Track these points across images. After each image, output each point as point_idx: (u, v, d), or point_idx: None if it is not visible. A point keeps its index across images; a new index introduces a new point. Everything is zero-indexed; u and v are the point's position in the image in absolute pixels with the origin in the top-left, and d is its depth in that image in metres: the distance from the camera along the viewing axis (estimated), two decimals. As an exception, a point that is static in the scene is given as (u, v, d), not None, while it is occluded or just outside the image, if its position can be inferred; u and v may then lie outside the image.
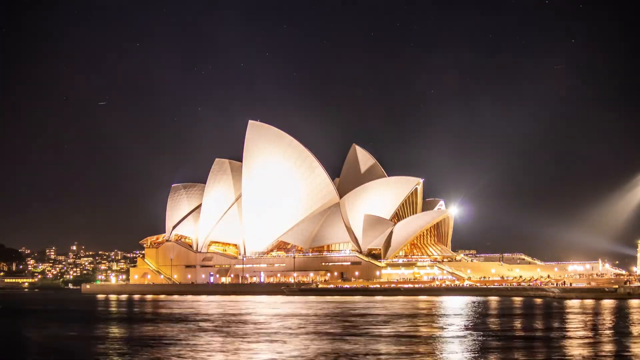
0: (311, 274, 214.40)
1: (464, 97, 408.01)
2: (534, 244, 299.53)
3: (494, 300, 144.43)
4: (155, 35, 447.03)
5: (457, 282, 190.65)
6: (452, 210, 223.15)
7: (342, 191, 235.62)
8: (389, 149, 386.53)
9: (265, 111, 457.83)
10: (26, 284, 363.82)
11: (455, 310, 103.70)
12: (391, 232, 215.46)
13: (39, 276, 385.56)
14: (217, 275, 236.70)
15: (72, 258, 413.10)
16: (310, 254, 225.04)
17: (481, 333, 66.14)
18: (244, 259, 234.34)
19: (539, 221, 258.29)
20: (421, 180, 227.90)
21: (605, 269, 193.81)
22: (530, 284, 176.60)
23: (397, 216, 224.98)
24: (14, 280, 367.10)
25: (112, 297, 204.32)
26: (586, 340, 59.46)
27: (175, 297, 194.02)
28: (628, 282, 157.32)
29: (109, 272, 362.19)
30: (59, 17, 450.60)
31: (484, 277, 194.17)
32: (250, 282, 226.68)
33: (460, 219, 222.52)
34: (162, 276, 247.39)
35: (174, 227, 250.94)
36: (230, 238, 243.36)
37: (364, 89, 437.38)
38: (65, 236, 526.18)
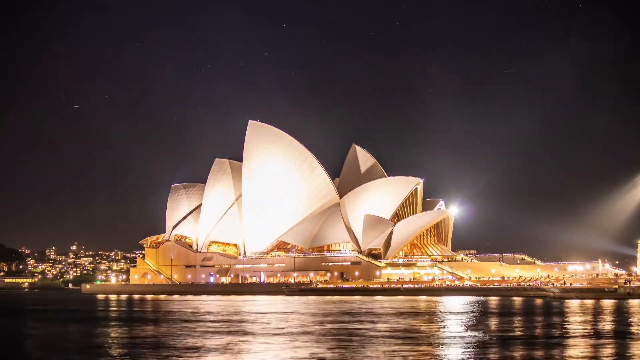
0: (311, 274, 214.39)
1: (464, 97, 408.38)
2: (534, 244, 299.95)
3: (494, 300, 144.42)
4: (155, 35, 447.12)
5: (457, 282, 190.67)
6: (452, 210, 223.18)
7: (342, 191, 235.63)
8: (389, 149, 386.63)
9: (265, 111, 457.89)
10: (26, 284, 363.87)
11: (455, 310, 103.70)
12: (391, 232, 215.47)
13: (39, 276, 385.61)
14: (217, 275, 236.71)
15: (72, 258, 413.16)
16: (310, 254, 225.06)
17: (481, 333, 66.13)
18: (244, 259, 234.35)
19: (539, 221, 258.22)
20: (421, 180, 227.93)
21: (606, 269, 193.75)
22: (530, 284, 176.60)
23: (397, 216, 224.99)
24: (14, 280, 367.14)
25: (112, 297, 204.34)
26: (586, 341, 59.46)
27: (176, 297, 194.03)
28: (628, 282, 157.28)
29: (109, 272, 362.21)
30: (59, 17, 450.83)
31: (484, 277, 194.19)
32: (250, 282, 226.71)
33: (460, 219, 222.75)
34: (162, 276, 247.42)
35: (174, 227, 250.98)
36: (230, 238, 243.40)
37: (364, 88, 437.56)
38: (65, 236, 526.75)
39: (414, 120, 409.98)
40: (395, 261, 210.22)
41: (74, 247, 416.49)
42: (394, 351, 52.58)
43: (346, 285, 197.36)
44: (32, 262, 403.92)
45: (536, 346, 56.15)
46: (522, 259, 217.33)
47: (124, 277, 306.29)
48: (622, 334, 64.48)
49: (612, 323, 77.62)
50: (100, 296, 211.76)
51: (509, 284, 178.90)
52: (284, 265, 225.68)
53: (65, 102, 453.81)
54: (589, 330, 68.45)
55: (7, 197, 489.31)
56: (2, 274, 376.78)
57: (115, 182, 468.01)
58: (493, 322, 79.74)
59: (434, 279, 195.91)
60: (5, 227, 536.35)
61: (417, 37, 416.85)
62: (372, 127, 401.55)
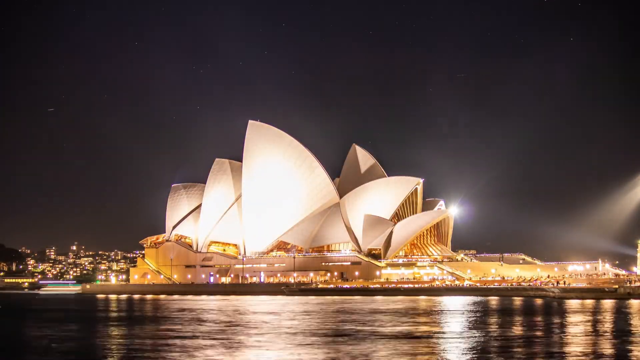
0: (311, 274, 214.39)
1: (464, 97, 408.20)
2: (534, 244, 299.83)
3: (494, 300, 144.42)
4: (155, 35, 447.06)
5: (457, 282, 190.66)
6: (452, 210, 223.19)
7: (342, 191, 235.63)
8: (389, 149, 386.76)
9: (265, 111, 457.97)
10: (26, 284, 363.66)
11: (455, 310, 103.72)
12: (391, 232, 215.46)
13: (39, 276, 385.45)
14: (217, 275, 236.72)
15: (72, 258, 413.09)
16: (310, 254, 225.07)
17: (480, 333, 66.14)
18: (244, 259, 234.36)
19: (539, 221, 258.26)
20: (421, 180, 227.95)
21: (605, 269, 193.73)
22: (530, 284, 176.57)
23: (397, 216, 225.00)
24: (14, 280, 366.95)
25: (112, 297, 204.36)
26: (586, 341, 59.46)
27: (176, 297, 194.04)
28: (628, 282, 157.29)
29: (109, 272, 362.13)
30: (58, 16, 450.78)
31: (484, 277, 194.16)
32: (250, 282, 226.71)
33: (460, 219, 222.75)
34: (162, 276, 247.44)
35: (174, 227, 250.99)
36: (230, 238, 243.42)
37: (364, 88, 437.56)
38: (65, 236, 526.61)
39: (414, 120, 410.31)
40: (395, 261, 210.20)
41: (74, 247, 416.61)
42: (394, 351, 52.60)
43: (346, 285, 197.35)
44: (32, 262, 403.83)
45: (536, 346, 56.13)
46: (522, 259, 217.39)
47: (124, 277, 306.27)
48: (622, 334, 64.47)
49: (612, 323, 77.61)
50: (100, 296, 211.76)
51: (509, 284, 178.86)
52: (284, 265, 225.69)
53: (65, 102, 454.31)
54: (589, 330, 68.43)
55: (7, 197, 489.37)
56: (2, 274, 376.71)
57: (115, 182, 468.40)
58: (493, 322, 79.73)
59: (434, 279, 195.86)
60: (5, 227, 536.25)
61: (417, 36, 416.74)
62: (372, 127, 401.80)
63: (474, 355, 50.50)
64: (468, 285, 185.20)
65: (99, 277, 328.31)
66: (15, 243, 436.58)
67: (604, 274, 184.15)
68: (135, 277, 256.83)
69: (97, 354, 54.69)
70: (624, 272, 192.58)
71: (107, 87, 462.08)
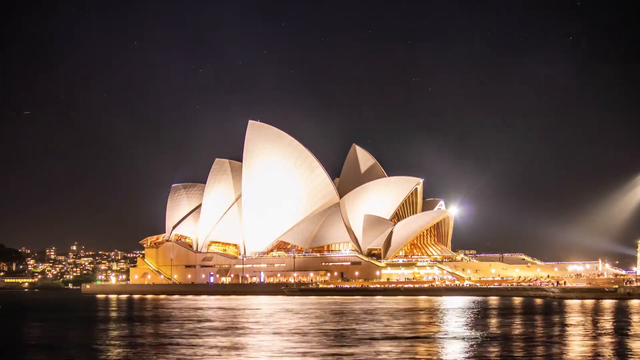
0: (311, 274, 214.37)
1: (464, 97, 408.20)
2: (534, 244, 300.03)
3: (494, 300, 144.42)
4: (154, 34, 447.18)
5: (457, 282, 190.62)
6: (452, 210, 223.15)
7: (342, 191, 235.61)
8: (389, 149, 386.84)
9: (265, 111, 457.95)
10: (26, 284, 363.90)
11: (455, 310, 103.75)
12: (391, 232, 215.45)
13: (39, 276, 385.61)
14: (217, 275, 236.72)
15: (72, 258, 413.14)
16: (310, 254, 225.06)
17: (480, 333, 66.16)
18: (244, 259, 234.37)
19: (539, 221, 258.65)
20: (421, 180, 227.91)
21: (605, 269, 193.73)
22: (530, 284, 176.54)
23: (397, 216, 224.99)
24: (14, 280, 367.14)
25: (112, 297, 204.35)
26: (586, 341, 59.48)
27: (176, 297, 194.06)
28: (628, 282, 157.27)
29: (109, 272, 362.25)
30: (58, 16, 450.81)
31: (484, 277, 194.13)
32: (250, 282, 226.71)
33: (460, 219, 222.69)
34: (162, 276, 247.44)
35: (174, 227, 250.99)
36: (230, 238, 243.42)
37: (364, 89, 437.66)
38: (65, 236, 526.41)
39: (414, 120, 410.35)
40: (395, 261, 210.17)
41: (74, 247, 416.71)
42: (394, 351, 52.63)
43: (346, 285, 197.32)
44: (32, 262, 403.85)
45: (536, 346, 56.15)
46: (522, 259, 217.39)
47: (124, 277, 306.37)
48: (621, 334, 64.49)
49: (612, 323, 77.62)
50: (100, 296, 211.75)
51: (509, 284, 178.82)
52: (284, 265, 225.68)
53: (65, 102, 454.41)
54: (589, 330, 68.44)
55: (7, 197, 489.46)
56: (2, 274, 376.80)
57: (115, 182, 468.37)
58: (492, 322, 79.75)
59: (434, 279, 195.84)
60: (5, 227, 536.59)
61: (417, 36, 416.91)
62: (372, 127, 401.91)
63: (473, 356, 50.50)
64: (468, 285, 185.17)
65: (99, 277, 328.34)
66: (15, 243, 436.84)
67: (601, 274, 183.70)
68: (135, 277, 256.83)
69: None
70: (624, 272, 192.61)
71: (107, 86, 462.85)
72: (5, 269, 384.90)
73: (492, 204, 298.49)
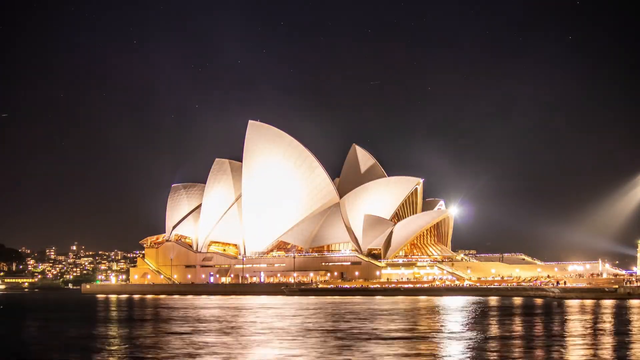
0: (311, 274, 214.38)
1: (464, 97, 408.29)
2: (534, 244, 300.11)
3: (494, 300, 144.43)
4: (154, 34, 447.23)
5: (457, 282, 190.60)
6: (452, 210, 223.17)
7: (342, 191, 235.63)
8: (389, 149, 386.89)
9: (265, 111, 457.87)
10: (26, 284, 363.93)
11: (455, 310, 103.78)
12: (391, 232, 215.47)
13: (39, 276, 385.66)
14: (217, 275, 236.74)
15: (72, 258, 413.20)
16: (310, 254, 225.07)
17: (480, 333, 66.18)
18: (244, 259, 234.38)
19: (539, 221, 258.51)
20: (421, 180, 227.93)
21: (605, 269, 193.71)
22: (530, 284, 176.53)
23: (397, 216, 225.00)
24: (14, 280, 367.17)
25: (112, 297, 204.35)
26: (586, 341, 59.49)
27: (176, 297, 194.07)
28: (628, 282, 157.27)
29: (109, 272, 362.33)
30: (57, 16, 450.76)
31: (484, 277, 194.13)
32: (250, 282, 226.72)
33: (460, 219, 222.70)
34: (162, 276, 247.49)
35: (174, 227, 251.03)
36: (230, 238, 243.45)
37: (364, 88, 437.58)
38: (65, 236, 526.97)
39: (414, 121, 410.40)
40: (395, 261, 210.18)
41: (74, 247, 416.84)
42: (394, 351, 52.64)
43: (346, 285, 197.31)
44: (32, 262, 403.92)
45: (535, 346, 56.15)
46: (522, 259, 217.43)
47: (124, 277, 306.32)
48: (621, 334, 64.49)
49: (611, 323, 77.63)
50: (100, 296, 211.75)
51: (509, 284, 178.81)
52: (284, 265, 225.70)
53: (65, 102, 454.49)
54: (589, 331, 68.45)
55: (7, 197, 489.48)
56: (2, 274, 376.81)
57: (115, 182, 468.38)
58: (492, 322, 79.76)
59: (434, 279, 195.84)
60: (5, 227, 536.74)
61: (417, 36, 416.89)
62: (372, 127, 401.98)
63: (473, 356, 50.52)
64: (468, 285, 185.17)
65: (99, 277, 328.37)
66: (15, 243, 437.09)
67: (600, 274, 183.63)
68: (135, 277, 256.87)
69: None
70: (623, 272, 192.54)
71: (107, 86, 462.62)
72: (5, 269, 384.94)
73: (492, 204, 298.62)
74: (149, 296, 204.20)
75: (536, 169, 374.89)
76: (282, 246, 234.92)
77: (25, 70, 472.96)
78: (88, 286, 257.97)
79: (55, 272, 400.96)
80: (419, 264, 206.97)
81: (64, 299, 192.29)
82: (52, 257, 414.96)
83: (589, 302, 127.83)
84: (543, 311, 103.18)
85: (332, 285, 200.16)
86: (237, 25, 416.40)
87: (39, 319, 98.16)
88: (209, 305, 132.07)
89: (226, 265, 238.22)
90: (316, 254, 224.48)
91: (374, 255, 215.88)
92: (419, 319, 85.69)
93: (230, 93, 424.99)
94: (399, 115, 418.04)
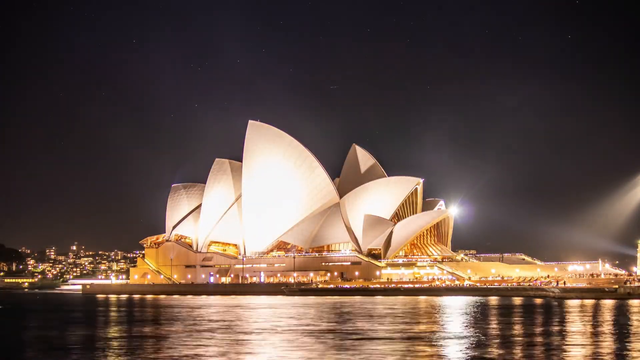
0: (311, 274, 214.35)
1: (463, 96, 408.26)
2: (534, 244, 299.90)
3: (493, 300, 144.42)
4: (153, 33, 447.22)
5: (457, 282, 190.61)
6: (452, 210, 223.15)
7: (342, 191, 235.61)
8: (389, 149, 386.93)
9: (265, 111, 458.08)
10: (26, 284, 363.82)
11: (455, 310, 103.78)
12: (391, 232, 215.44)
13: (39, 276, 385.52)
14: (217, 275, 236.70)
15: (72, 258, 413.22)
16: (310, 254, 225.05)
17: (480, 333, 66.17)
18: (244, 259, 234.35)
19: (539, 221, 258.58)
20: (421, 180, 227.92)
21: (605, 269, 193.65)
22: (530, 284, 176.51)
23: (397, 216, 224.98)
24: (14, 280, 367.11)
25: (112, 297, 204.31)
26: (585, 340, 59.48)
27: (176, 297, 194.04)
28: (628, 282, 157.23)
29: (109, 272, 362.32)
30: (57, 16, 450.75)
31: (484, 277, 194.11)
32: (250, 282, 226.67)
33: (460, 219, 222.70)
34: (162, 276, 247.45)
35: (174, 227, 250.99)
36: (230, 238, 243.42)
37: (364, 88, 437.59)
38: (65, 236, 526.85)
39: (414, 120, 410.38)
40: (395, 261, 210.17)
41: (74, 247, 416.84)
42: (394, 351, 52.62)
43: (346, 285, 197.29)
44: (32, 262, 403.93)
45: (535, 346, 56.14)
46: (522, 259, 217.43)
47: (124, 277, 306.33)
48: (621, 334, 64.48)
49: (611, 323, 77.63)
50: (100, 296, 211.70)
51: (509, 284, 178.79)
52: (284, 265, 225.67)
53: (65, 102, 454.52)
54: (588, 330, 68.44)
55: (7, 197, 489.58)
56: (2, 274, 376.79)
57: (115, 182, 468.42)
58: (492, 322, 79.75)
59: (434, 279, 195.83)
60: (5, 227, 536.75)
61: (417, 36, 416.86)
62: (372, 127, 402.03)
63: (473, 356, 50.50)
64: (468, 285, 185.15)
65: (99, 277, 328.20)
66: (15, 243, 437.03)
67: (598, 275, 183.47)
68: (135, 277, 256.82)
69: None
70: (623, 272, 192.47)
71: (107, 86, 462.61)
72: (5, 269, 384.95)
73: (492, 204, 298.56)
74: (149, 296, 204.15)
75: (536, 169, 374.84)
76: (282, 246, 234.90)
77: (25, 70, 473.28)
78: (88, 286, 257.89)
79: (55, 272, 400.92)
80: (419, 264, 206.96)
81: (64, 299, 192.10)
82: (52, 257, 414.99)
83: (589, 302, 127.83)
84: (543, 311, 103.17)
85: (332, 285, 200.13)
86: (237, 25, 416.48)
87: (39, 319, 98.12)
88: (209, 305, 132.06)
89: (226, 265, 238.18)
90: (316, 254, 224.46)
91: (374, 255, 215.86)
92: (418, 319, 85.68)
93: (230, 93, 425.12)
94: (399, 115, 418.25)
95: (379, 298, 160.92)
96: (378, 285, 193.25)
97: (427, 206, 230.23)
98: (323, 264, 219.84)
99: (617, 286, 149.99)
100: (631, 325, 74.80)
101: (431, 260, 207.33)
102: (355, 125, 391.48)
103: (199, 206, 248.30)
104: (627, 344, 57.30)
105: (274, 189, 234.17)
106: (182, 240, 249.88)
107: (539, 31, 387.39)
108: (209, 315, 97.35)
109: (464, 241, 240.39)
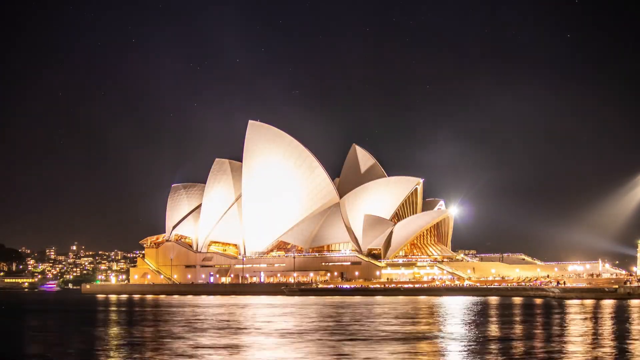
0: (311, 274, 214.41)
1: (463, 97, 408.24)
2: (534, 244, 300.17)
3: (493, 300, 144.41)
4: (153, 32, 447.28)
5: (457, 282, 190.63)
6: (452, 210, 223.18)
7: (342, 191, 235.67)
8: (389, 149, 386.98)
9: (265, 111, 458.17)
10: (26, 284, 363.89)
11: (455, 310, 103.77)
12: (391, 232, 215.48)
13: (39, 276, 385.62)
14: (217, 275, 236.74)
15: (72, 258, 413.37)
16: (310, 254, 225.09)
17: (480, 333, 66.16)
18: (244, 259, 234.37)
19: (539, 221, 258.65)
20: (421, 180, 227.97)
21: (605, 269, 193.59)
22: (530, 284, 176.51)
23: (397, 216, 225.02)
24: (14, 280, 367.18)
25: (112, 297, 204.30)
26: (585, 340, 59.46)
27: (176, 297, 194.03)
28: (628, 282, 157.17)
29: (109, 272, 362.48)
30: (56, 16, 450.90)
31: (484, 277, 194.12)
32: (250, 282, 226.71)
33: (460, 219, 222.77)
34: (162, 276, 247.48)
35: (174, 227, 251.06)
36: (230, 238, 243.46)
37: (364, 88, 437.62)
38: (65, 236, 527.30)
39: (414, 120, 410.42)
40: (395, 261, 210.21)
41: (74, 247, 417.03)
42: (394, 351, 52.62)
43: (346, 285, 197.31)
44: (32, 262, 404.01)
45: (535, 346, 56.13)
46: (522, 259, 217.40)
47: (124, 277, 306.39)
48: (621, 334, 64.47)
49: (611, 323, 77.63)
50: (100, 296, 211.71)
51: (509, 284, 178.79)
52: (284, 265, 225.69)
53: (64, 102, 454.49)
54: (589, 330, 68.43)
55: (7, 198, 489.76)
56: (2, 274, 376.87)
57: (115, 182, 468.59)
58: (492, 322, 79.74)
59: (434, 279, 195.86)
60: (5, 227, 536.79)
61: (416, 36, 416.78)
62: (372, 127, 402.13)
63: (473, 356, 50.49)
64: (468, 285, 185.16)
65: (99, 277, 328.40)
66: (15, 243, 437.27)
67: (598, 274, 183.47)
68: (135, 277, 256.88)
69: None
70: (623, 272, 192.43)
71: (107, 86, 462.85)
72: (5, 269, 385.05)
73: (492, 204, 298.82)
74: (149, 296, 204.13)
75: (536, 169, 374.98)
76: (282, 246, 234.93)
77: (25, 70, 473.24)
78: (88, 286, 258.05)
79: (55, 272, 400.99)
80: (419, 264, 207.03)
81: (64, 299, 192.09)
82: (52, 257, 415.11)
83: (589, 302, 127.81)
84: (543, 311, 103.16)
85: (332, 285, 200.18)
86: (237, 24, 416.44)
87: (39, 319, 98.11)
88: (209, 305, 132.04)
89: (226, 265, 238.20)
90: (316, 254, 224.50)
91: (374, 255, 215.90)
92: (418, 319, 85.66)
93: (230, 93, 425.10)
94: (399, 115, 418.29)
95: (378, 298, 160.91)
96: (378, 285, 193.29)
97: (427, 206, 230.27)
98: (323, 264, 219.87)
99: (617, 286, 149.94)
100: (631, 326, 74.77)
101: (431, 260, 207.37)
102: (355, 125, 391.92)
103: (199, 206, 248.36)
104: (627, 344, 57.28)
105: (274, 189, 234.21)
106: (182, 240, 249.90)
107: (539, 31, 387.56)
108: (209, 315, 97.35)
109: (464, 241, 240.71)
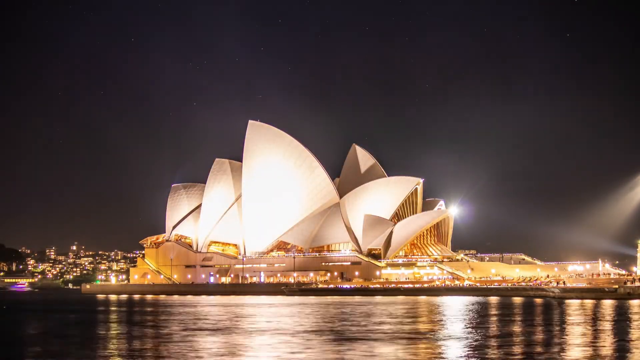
0: (311, 274, 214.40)
1: (463, 96, 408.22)
2: (534, 244, 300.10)
3: (494, 300, 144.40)
4: (152, 32, 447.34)
5: (457, 282, 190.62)
6: (452, 210, 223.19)
7: (342, 191, 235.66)
8: (389, 149, 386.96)
9: (265, 111, 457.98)
10: (26, 284, 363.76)
11: (455, 310, 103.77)
12: (391, 232, 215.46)
13: (39, 276, 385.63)
14: (217, 275, 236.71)
15: (72, 258, 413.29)
16: (310, 254, 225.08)
17: (480, 333, 66.15)
18: (244, 259, 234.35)
19: (539, 221, 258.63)
20: (421, 180, 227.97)
21: (605, 269, 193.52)
22: (530, 284, 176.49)
23: (397, 216, 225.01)
24: (14, 280, 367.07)
25: (112, 297, 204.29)
26: (585, 340, 59.46)
27: (175, 297, 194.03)
28: (628, 282, 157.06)
29: (109, 272, 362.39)
30: (56, 16, 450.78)
31: (484, 277, 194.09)
32: (250, 282, 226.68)
33: (460, 219, 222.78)
34: (162, 276, 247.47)
35: (174, 227, 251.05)
36: (230, 238, 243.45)
37: (364, 88, 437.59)
38: (65, 236, 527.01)
39: (414, 120, 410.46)
40: (395, 261, 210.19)
41: (74, 247, 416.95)
42: (393, 351, 52.61)
43: (346, 285, 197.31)
44: (32, 262, 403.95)
45: (535, 346, 56.13)
46: (522, 259, 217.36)
47: (124, 277, 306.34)
48: (621, 334, 64.48)
49: (611, 323, 77.62)
50: (100, 296, 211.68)
51: (509, 284, 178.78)
52: (284, 265, 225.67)
53: (64, 101, 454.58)
54: (588, 330, 68.43)
55: (7, 198, 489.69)
56: (2, 274, 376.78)
57: (115, 182, 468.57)
58: (492, 322, 79.74)
59: (433, 279, 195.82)
60: (5, 227, 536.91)
61: (416, 35, 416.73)
62: (372, 127, 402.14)
63: (473, 356, 50.49)
64: (468, 285, 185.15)
65: (99, 277, 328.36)
66: (15, 243, 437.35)
67: (599, 275, 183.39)
68: (135, 277, 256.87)
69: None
70: (623, 272, 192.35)
71: (106, 85, 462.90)
72: (5, 269, 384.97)
73: (492, 204, 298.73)
74: (149, 296, 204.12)
75: (536, 169, 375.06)
76: (282, 246, 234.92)
77: (25, 70, 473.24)
78: (88, 286, 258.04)
79: (55, 272, 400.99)
80: (419, 264, 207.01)
81: (64, 299, 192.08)
82: (52, 257, 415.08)
83: (589, 302, 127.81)
84: (543, 311, 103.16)
85: (332, 285, 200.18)
86: (236, 24, 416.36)
87: (40, 319, 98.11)
88: (209, 305, 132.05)
89: (226, 265, 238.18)
90: (316, 254, 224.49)
91: (374, 255, 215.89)
92: (418, 319, 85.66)
93: (229, 92, 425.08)
94: (399, 115, 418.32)
95: (378, 298, 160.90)
96: (378, 285, 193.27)
97: (427, 206, 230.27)
98: (323, 264, 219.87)
99: (617, 286, 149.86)
100: (631, 326, 74.78)
101: (431, 260, 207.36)
102: (355, 125, 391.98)
103: (199, 206, 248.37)
104: (627, 344, 57.28)
105: (274, 189, 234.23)
106: (182, 240, 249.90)
107: (539, 31, 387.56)
108: (209, 315, 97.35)
109: (464, 241, 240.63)
